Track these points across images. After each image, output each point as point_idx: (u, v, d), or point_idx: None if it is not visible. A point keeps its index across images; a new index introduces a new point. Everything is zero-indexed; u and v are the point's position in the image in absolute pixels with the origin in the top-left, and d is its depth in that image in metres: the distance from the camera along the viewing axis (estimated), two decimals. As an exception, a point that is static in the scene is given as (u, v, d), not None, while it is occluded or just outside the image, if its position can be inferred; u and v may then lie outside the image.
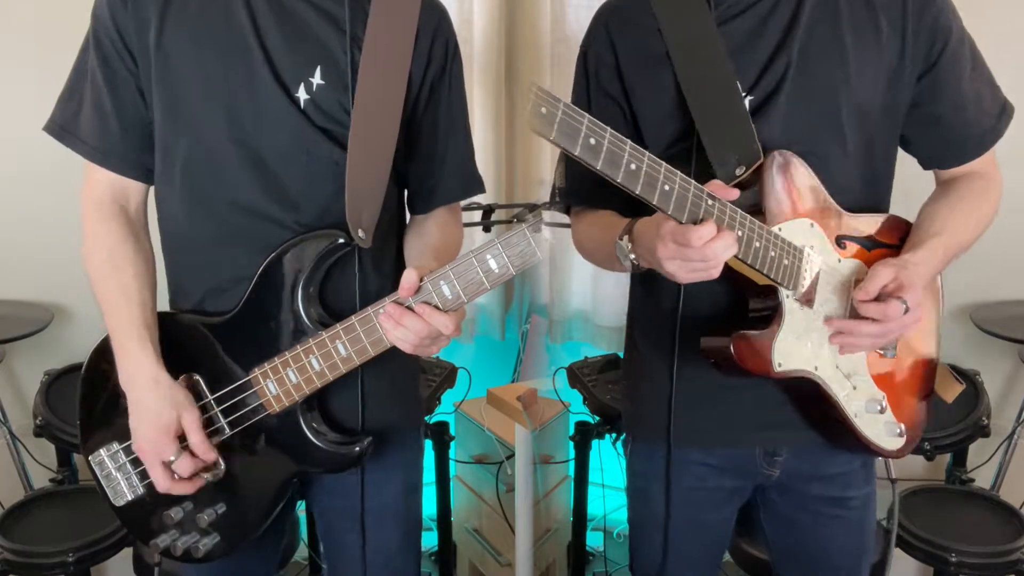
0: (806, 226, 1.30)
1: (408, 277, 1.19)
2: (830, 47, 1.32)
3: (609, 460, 2.61)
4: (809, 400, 1.36)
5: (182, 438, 1.30)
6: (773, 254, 1.23)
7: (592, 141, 1.04)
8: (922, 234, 1.38)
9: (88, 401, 1.41)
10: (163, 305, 1.41)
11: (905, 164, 1.47)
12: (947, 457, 2.70)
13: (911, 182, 1.49)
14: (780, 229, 1.26)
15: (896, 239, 1.40)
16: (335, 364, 1.26)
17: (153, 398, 1.30)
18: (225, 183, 1.31)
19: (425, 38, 1.37)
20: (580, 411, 2.52)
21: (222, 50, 1.29)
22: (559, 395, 2.56)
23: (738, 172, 1.28)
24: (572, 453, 2.55)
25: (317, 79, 1.30)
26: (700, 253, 1.13)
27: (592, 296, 3.06)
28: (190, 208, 1.34)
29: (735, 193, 1.18)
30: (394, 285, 1.21)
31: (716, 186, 1.17)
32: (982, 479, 2.69)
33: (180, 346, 1.34)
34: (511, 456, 2.56)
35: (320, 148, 1.31)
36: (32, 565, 2.16)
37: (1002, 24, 2.24)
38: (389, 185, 1.35)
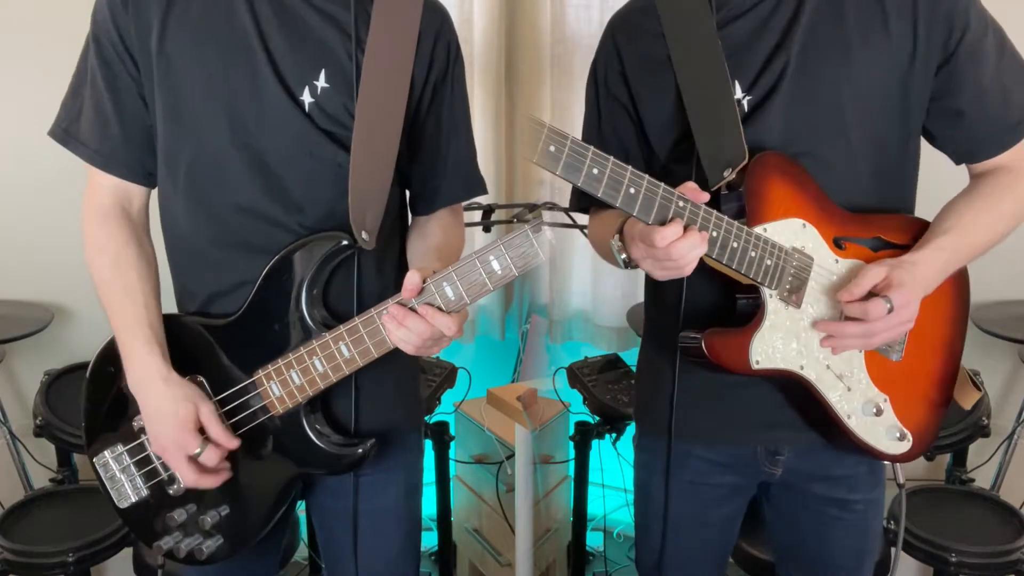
0: (797, 226, 1.30)
1: (411, 279, 1.19)
2: (832, 45, 1.31)
3: (609, 460, 2.62)
4: (804, 400, 1.36)
5: (201, 431, 1.30)
6: (753, 254, 1.25)
7: (552, 148, 1.11)
8: (931, 232, 1.36)
9: (93, 403, 1.41)
10: (169, 308, 1.41)
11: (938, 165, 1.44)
12: (947, 457, 2.71)
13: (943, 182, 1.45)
14: (765, 229, 1.27)
15: (908, 239, 1.37)
16: (338, 365, 1.26)
17: (166, 397, 1.30)
18: (228, 186, 1.31)
19: (427, 40, 1.37)
20: (580, 411, 2.53)
21: (225, 53, 1.28)
22: (559, 395, 2.57)
23: (725, 174, 1.29)
24: (572, 453, 2.55)
25: (321, 82, 1.30)
26: (665, 253, 1.18)
27: (592, 296, 3.06)
28: (193, 211, 1.34)
29: (705, 196, 1.21)
30: (396, 286, 1.21)
31: (689, 188, 1.21)
32: (982, 479, 2.70)
33: (184, 348, 1.34)
34: (511, 456, 2.57)
35: (323, 151, 1.31)
36: (32, 565, 2.16)
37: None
38: (392, 187, 1.35)
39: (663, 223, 1.18)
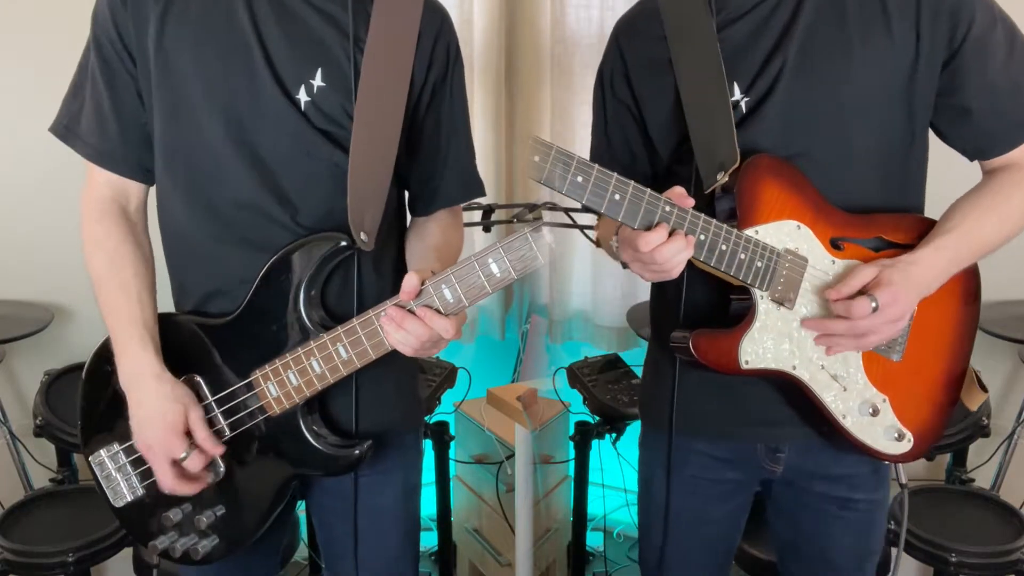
0: (791, 228, 1.30)
1: (410, 280, 1.19)
2: (832, 46, 1.31)
3: (609, 460, 2.62)
4: (800, 399, 1.37)
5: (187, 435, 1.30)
6: (743, 256, 1.26)
7: (536, 158, 1.15)
8: (935, 232, 1.35)
9: (89, 402, 1.41)
10: (167, 306, 1.41)
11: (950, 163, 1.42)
12: (947, 457, 2.71)
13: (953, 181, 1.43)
14: (756, 232, 1.28)
15: (913, 238, 1.36)
16: (336, 367, 1.26)
17: (156, 397, 1.29)
18: (225, 184, 1.31)
19: (427, 41, 1.37)
20: (580, 411, 2.52)
21: (223, 51, 1.29)
22: (559, 395, 2.57)
23: (719, 176, 1.30)
24: (572, 453, 2.55)
25: (318, 81, 1.30)
26: (650, 257, 1.20)
27: (592, 296, 3.06)
28: (191, 209, 1.34)
29: (691, 201, 1.23)
30: (394, 287, 1.21)
31: (676, 193, 1.22)
32: (982, 479, 2.70)
33: (181, 348, 1.34)
34: (511, 456, 2.57)
35: (320, 150, 1.31)
36: (32, 565, 2.16)
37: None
38: (390, 188, 1.35)
39: (648, 228, 1.20)
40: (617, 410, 2.36)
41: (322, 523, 1.52)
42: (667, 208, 1.21)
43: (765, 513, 1.59)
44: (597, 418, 2.45)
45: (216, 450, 1.31)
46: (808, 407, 1.37)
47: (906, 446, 1.39)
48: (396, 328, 1.21)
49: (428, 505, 2.46)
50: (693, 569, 1.58)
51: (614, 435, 2.45)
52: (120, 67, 1.32)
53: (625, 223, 1.20)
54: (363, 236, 1.30)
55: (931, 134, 1.40)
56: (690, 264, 1.26)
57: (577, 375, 2.49)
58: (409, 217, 1.51)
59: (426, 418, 2.45)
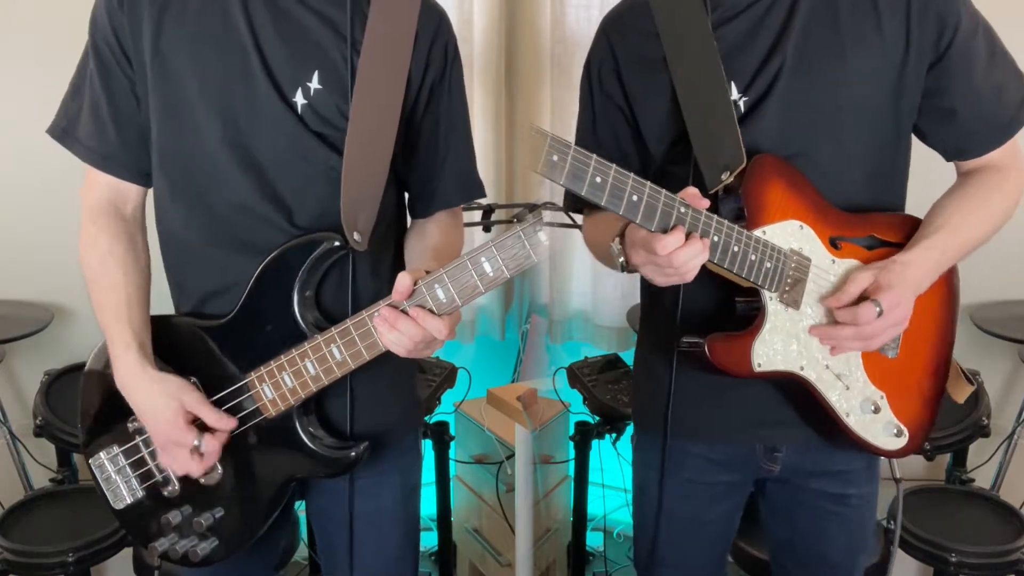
0: (795, 228, 1.30)
1: (402, 280, 1.18)
2: (827, 46, 1.31)
3: (609, 460, 2.61)
4: (803, 399, 1.37)
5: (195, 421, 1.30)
6: (753, 258, 1.25)
7: (554, 158, 1.09)
8: (922, 231, 1.37)
9: (88, 404, 1.41)
10: (166, 307, 1.41)
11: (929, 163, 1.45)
12: (947, 457, 2.70)
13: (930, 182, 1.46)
14: (764, 232, 1.27)
15: (902, 237, 1.38)
16: (330, 368, 1.26)
17: (148, 397, 1.30)
18: (221, 186, 1.31)
19: (424, 41, 1.37)
20: (580, 411, 2.52)
21: (219, 53, 1.28)
22: (559, 395, 2.56)
23: (723, 177, 1.29)
24: (572, 453, 2.55)
25: (315, 84, 1.30)
26: (667, 260, 1.17)
27: (592, 296, 3.06)
28: (187, 211, 1.34)
29: (706, 202, 1.21)
30: (391, 289, 1.21)
31: (690, 194, 1.20)
32: (982, 479, 2.69)
33: (176, 350, 1.34)
34: (511, 456, 2.56)
35: (316, 153, 1.31)
36: (32, 565, 2.16)
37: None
38: (388, 189, 1.35)
39: (665, 230, 1.17)
40: (617, 410, 2.36)
41: (320, 525, 1.53)
42: (682, 209, 1.18)
43: (758, 509, 1.59)
44: (597, 418, 2.45)
45: (228, 424, 1.30)
46: (809, 406, 1.37)
47: (903, 441, 1.41)
48: (389, 329, 1.20)
49: (428, 505, 2.46)
50: (689, 571, 1.58)
51: (614, 435, 2.45)
52: (117, 70, 1.32)
53: (642, 225, 1.17)
54: (356, 236, 1.30)
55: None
56: None
57: (577, 375, 2.49)
58: (409, 219, 1.51)
59: (426, 418, 2.45)
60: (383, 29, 1.32)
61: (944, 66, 1.33)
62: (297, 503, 1.53)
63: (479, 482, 2.76)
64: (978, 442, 2.51)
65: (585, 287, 3.07)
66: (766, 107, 1.32)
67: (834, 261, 1.33)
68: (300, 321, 1.29)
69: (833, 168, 1.34)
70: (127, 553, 2.29)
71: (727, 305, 1.36)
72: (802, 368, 1.32)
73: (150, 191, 1.41)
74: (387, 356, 1.25)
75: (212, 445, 1.30)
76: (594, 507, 2.73)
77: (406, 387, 1.52)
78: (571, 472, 2.61)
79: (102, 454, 1.39)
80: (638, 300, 2.96)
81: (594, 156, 1.12)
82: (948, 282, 1.43)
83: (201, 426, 1.30)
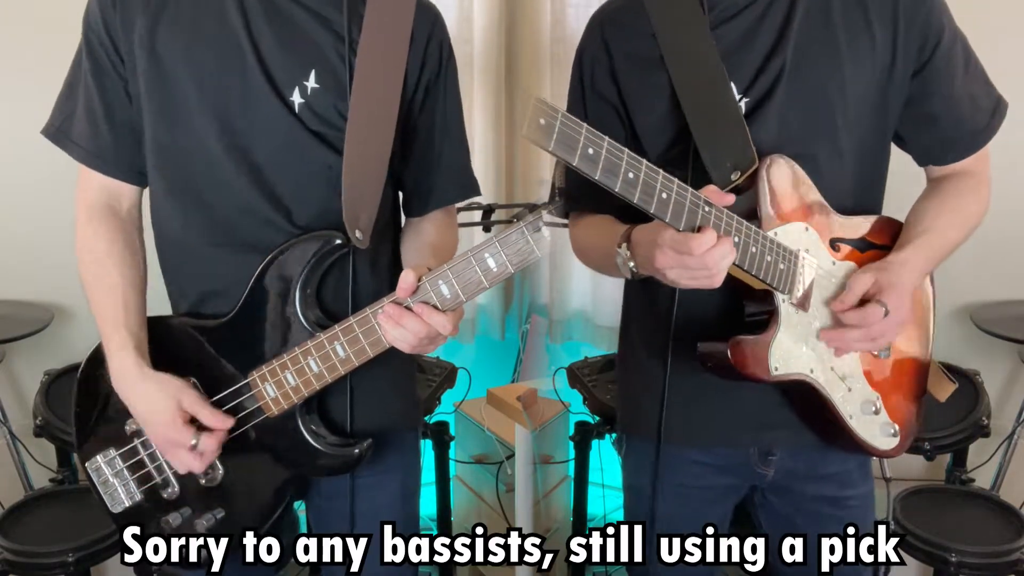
0: (801, 229, 1.30)
1: (406, 277, 1.18)
2: (824, 48, 1.32)
3: (609, 460, 2.61)
4: (804, 401, 1.36)
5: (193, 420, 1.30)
6: (769, 259, 1.23)
7: (591, 151, 1.03)
8: (909, 233, 1.39)
9: (83, 408, 1.41)
10: (163, 306, 1.41)
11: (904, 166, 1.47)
12: (947, 457, 2.70)
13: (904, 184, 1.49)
14: (776, 233, 1.26)
15: (888, 239, 1.40)
16: (334, 366, 1.26)
17: (143, 398, 1.30)
18: (218, 185, 1.31)
19: (420, 40, 1.37)
20: (580, 411, 2.52)
21: (215, 53, 1.28)
22: (559, 395, 2.56)
23: (733, 177, 1.28)
24: (572, 453, 2.55)
25: (311, 83, 1.30)
26: (700, 261, 1.12)
27: (592, 296, 3.06)
28: (184, 211, 1.34)
29: (730, 199, 1.17)
30: (391, 286, 1.21)
31: (711, 191, 1.16)
32: (982, 479, 2.69)
33: (177, 350, 1.34)
34: (511, 456, 2.57)
35: (314, 152, 1.31)
36: (32, 565, 2.15)
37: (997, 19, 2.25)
38: (385, 187, 1.35)
39: (693, 229, 1.13)
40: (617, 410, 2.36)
41: (320, 524, 1.52)
42: (707, 208, 1.13)
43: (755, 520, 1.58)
44: (597, 418, 2.44)
45: (225, 424, 1.30)
46: (808, 408, 1.37)
47: (896, 441, 1.42)
48: (394, 325, 1.20)
49: (428, 505, 2.46)
50: (683, 574, 1.56)
51: (614, 435, 2.45)
52: (111, 69, 1.32)
53: (671, 224, 1.12)
54: (358, 234, 1.30)
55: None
56: None
57: (577, 375, 2.49)
58: (404, 218, 1.51)
59: (426, 418, 2.45)
60: (379, 28, 1.32)
61: (927, 74, 1.36)
62: (297, 503, 1.52)
63: (479, 482, 2.76)
64: (978, 442, 2.51)
65: (585, 287, 3.07)
66: (767, 108, 1.32)
67: (835, 263, 1.34)
68: (302, 319, 1.29)
69: (829, 170, 1.34)
70: (127, 553, 2.29)
71: (725, 308, 1.35)
72: (812, 371, 1.32)
73: (146, 191, 1.41)
74: (387, 356, 1.25)
75: (209, 444, 1.29)
76: (594, 507, 2.73)
77: (406, 387, 1.52)
78: (571, 472, 2.60)
79: (99, 457, 1.39)
80: (638, 301, 2.95)
81: (626, 151, 1.06)
82: (923, 283, 1.46)
83: (200, 425, 1.30)
